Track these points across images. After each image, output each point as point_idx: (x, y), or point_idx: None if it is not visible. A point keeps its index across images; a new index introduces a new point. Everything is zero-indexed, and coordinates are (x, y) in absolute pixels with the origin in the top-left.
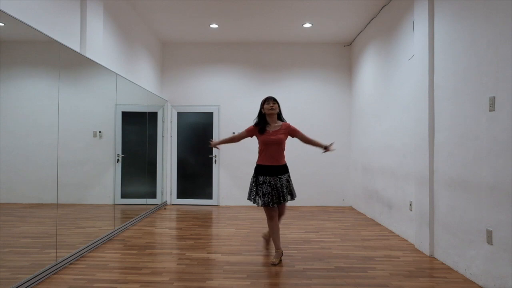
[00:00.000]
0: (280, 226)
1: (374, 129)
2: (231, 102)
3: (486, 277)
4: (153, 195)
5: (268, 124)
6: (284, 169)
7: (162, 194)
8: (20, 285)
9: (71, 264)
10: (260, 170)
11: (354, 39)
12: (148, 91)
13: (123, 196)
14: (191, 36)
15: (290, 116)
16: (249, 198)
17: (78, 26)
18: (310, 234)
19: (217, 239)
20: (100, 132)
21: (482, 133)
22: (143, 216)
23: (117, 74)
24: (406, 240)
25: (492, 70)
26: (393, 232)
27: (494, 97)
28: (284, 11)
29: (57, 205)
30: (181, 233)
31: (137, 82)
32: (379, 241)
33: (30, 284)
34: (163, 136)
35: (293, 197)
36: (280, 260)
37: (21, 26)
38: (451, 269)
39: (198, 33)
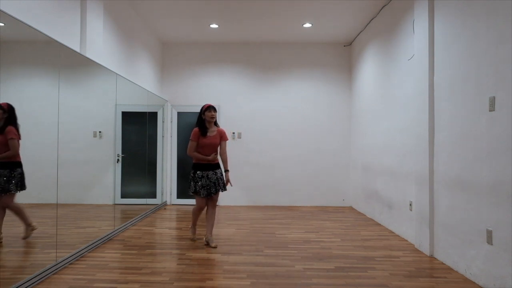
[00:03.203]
0: (280, 226)
1: (374, 129)
2: (231, 102)
3: (486, 277)
4: (153, 195)
5: (208, 129)
6: (217, 165)
7: (162, 194)
8: (20, 285)
9: (71, 264)
10: (198, 166)
11: (354, 39)
12: (148, 91)
13: (123, 196)
14: (191, 36)
15: (290, 116)
16: (189, 190)
17: (78, 26)
18: (310, 234)
19: (217, 239)
20: (100, 132)
21: (482, 133)
22: (143, 216)
23: (117, 74)
24: (406, 240)
25: (492, 70)
26: (393, 232)
27: (494, 97)
28: (284, 11)
29: (57, 205)
30: (181, 233)
31: (137, 82)
32: (379, 241)
33: (30, 284)
34: (163, 136)
35: (223, 189)
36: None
37: (21, 26)
38: (451, 269)
39: (198, 33)
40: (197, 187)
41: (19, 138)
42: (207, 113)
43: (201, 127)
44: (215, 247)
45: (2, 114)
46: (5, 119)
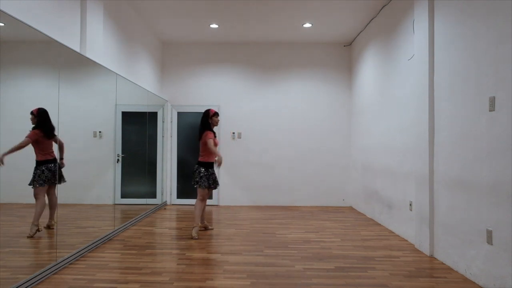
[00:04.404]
0: (280, 226)
1: (374, 129)
2: (231, 102)
3: (486, 277)
4: (153, 195)
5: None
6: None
7: (162, 194)
8: (20, 285)
9: (71, 264)
10: (208, 165)
11: (354, 39)
12: (148, 91)
13: (123, 196)
14: (191, 36)
15: (290, 116)
16: (201, 185)
17: (78, 26)
18: (310, 234)
19: (217, 239)
20: (100, 132)
21: (482, 133)
22: (143, 216)
23: (117, 74)
24: (406, 240)
25: (492, 70)
26: (393, 232)
27: (494, 97)
28: (284, 11)
29: (57, 205)
30: (181, 233)
31: (137, 82)
32: (379, 241)
33: (30, 284)
34: (163, 136)
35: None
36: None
37: (21, 26)
38: (451, 269)
39: (198, 33)
40: (210, 181)
41: (51, 137)
42: (215, 119)
43: (210, 130)
44: (212, 229)
45: (34, 119)
46: (36, 123)
